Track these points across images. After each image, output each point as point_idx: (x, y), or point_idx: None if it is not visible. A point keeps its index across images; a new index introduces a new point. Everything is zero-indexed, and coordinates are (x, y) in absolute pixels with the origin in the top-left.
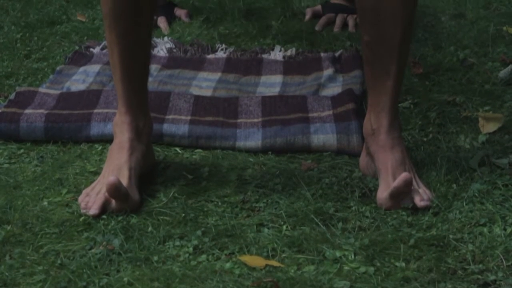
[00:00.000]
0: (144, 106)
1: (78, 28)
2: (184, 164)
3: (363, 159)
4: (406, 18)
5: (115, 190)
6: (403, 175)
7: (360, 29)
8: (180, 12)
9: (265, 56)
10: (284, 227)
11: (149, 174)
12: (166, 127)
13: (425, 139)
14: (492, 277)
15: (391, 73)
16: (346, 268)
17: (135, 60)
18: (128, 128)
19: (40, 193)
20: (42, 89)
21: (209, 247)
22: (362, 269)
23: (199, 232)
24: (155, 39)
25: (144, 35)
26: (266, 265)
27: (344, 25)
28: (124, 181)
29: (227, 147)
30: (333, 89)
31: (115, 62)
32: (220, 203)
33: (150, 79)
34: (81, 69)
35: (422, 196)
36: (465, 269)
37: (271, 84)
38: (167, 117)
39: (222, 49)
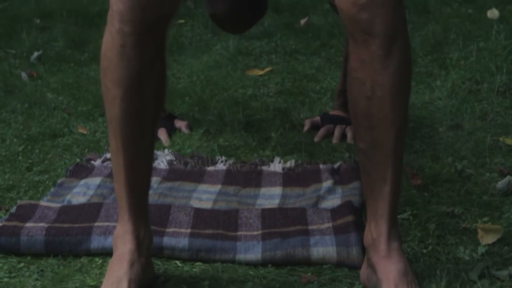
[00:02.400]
0: (144, 217)
1: (79, 141)
2: (184, 277)
3: (364, 271)
4: (398, 122)
5: None
6: None
7: (355, 138)
8: (180, 124)
9: (264, 168)
10: None
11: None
12: (167, 240)
13: (424, 250)
14: None
15: (388, 179)
16: None
17: (138, 168)
18: (129, 238)
19: None
20: (43, 202)
21: None
22: None
23: None
24: (155, 151)
25: (147, 143)
26: None
27: (343, 136)
28: None
29: (227, 260)
30: (333, 201)
31: (119, 170)
32: None
33: (150, 191)
34: (82, 181)
35: None
36: None
37: (270, 196)
38: (167, 230)
39: (222, 161)
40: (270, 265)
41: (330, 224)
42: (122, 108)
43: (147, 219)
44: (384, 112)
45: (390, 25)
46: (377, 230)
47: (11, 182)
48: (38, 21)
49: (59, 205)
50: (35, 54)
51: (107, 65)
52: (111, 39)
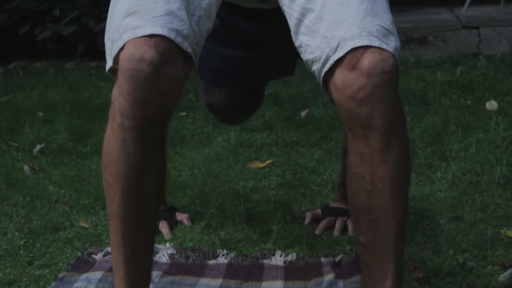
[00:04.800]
0: None
1: (81, 234)
2: None
3: None
4: (398, 214)
5: None
6: None
7: (355, 231)
8: (181, 217)
9: (266, 261)
10: None
11: None
12: None
13: None
14: None
15: (389, 273)
16: None
17: (138, 263)
18: None
19: None
20: None
21: None
22: None
23: None
24: (156, 245)
25: (148, 238)
26: None
27: (344, 228)
28: None
29: None
30: None
31: (118, 265)
32: None
33: (151, 286)
34: (83, 276)
35: None
36: None
37: None
38: None
39: (223, 255)
40: None
41: None
42: (122, 203)
43: None
44: (385, 206)
45: (388, 119)
46: None
47: (12, 277)
48: (41, 114)
49: None
50: (38, 147)
51: (108, 159)
52: (112, 133)
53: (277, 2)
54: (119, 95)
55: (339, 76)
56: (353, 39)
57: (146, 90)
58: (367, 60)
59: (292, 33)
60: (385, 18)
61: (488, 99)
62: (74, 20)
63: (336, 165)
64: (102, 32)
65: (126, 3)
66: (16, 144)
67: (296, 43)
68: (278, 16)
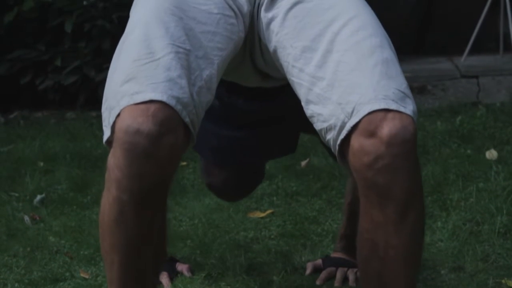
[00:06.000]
0: None
1: (81, 285)
2: None
3: None
4: (410, 279)
5: None
6: None
7: None
8: (182, 267)
9: None
10: None
11: None
12: None
13: None
14: None
15: None
16: None
17: None
18: None
19: None
20: None
21: None
22: None
23: None
24: None
25: None
26: None
27: (345, 279)
28: None
29: None
30: None
31: None
32: None
33: None
34: None
35: None
36: None
37: None
38: None
39: None
40: None
41: None
42: (120, 274)
43: None
44: (397, 273)
45: (406, 189)
46: None
47: None
48: (41, 164)
49: None
50: (38, 197)
51: (105, 230)
52: (109, 204)
53: (279, 80)
54: (115, 167)
55: (356, 142)
56: (369, 103)
57: (143, 164)
58: (387, 128)
59: (303, 103)
60: (401, 81)
61: (488, 148)
62: (75, 70)
63: (336, 215)
64: (103, 82)
65: (124, 70)
66: (16, 194)
67: (308, 113)
68: (279, 95)
